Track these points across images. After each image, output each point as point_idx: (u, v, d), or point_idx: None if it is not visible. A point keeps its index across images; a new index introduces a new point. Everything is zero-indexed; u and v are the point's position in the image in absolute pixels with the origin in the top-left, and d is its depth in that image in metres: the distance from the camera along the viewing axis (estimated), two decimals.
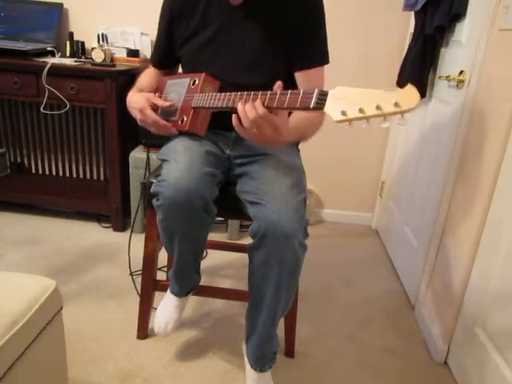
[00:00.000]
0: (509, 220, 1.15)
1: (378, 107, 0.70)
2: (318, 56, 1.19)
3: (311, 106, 0.80)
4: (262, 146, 0.95)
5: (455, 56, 1.58)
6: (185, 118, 1.16)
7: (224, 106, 1.03)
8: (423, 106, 1.88)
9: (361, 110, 0.72)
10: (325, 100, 0.78)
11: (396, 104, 0.69)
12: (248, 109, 0.90)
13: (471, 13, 1.49)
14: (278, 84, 0.90)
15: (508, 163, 1.18)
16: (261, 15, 1.16)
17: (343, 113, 0.74)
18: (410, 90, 0.68)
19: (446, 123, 1.60)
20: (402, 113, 0.69)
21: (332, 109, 0.76)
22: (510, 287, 1.13)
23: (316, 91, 0.80)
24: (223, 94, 1.04)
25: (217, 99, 1.06)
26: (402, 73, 1.92)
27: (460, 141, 1.44)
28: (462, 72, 1.46)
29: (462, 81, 1.45)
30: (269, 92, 0.90)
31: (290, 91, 0.86)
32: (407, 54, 1.92)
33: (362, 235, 2.42)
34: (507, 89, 1.20)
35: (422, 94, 1.79)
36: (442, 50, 1.71)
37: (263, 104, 0.89)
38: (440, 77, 1.61)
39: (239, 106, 0.92)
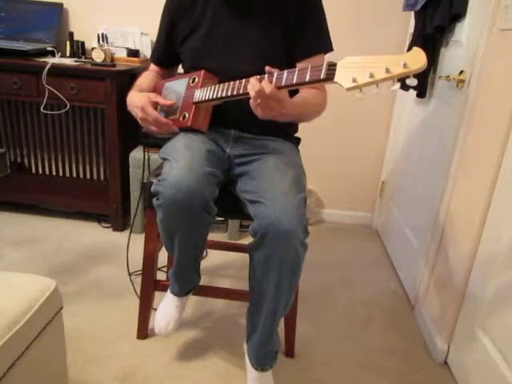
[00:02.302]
0: (509, 220, 1.15)
1: (387, 70, 0.73)
2: (321, 43, 1.21)
3: (321, 76, 0.83)
4: (268, 118, 0.98)
5: (455, 56, 1.58)
6: (186, 115, 1.16)
7: (228, 94, 1.04)
8: (423, 106, 1.88)
9: (371, 75, 0.75)
10: (334, 70, 0.81)
11: (405, 65, 0.72)
12: (254, 83, 0.93)
13: (471, 13, 1.49)
14: (267, 69, 0.94)
15: (508, 163, 1.18)
16: (260, 6, 1.17)
17: (354, 80, 0.77)
18: (417, 51, 0.72)
19: (446, 123, 1.60)
20: (411, 73, 0.72)
21: (342, 77, 0.79)
22: (510, 287, 1.13)
23: (325, 62, 0.83)
24: (226, 83, 1.05)
25: (219, 89, 1.07)
26: None
27: (460, 141, 1.44)
28: (462, 72, 1.46)
29: (462, 81, 1.45)
30: (275, 72, 0.93)
31: (296, 68, 0.89)
32: None
33: (362, 235, 2.42)
34: (507, 89, 1.20)
35: (422, 94, 1.79)
36: (442, 49, 1.71)
37: (271, 83, 0.92)
38: (440, 77, 1.61)
39: (248, 87, 0.95)
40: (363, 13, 2.16)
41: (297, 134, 1.38)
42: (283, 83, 0.91)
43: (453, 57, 1.61)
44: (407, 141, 2.08)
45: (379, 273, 2.03)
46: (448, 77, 1.53)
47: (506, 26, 1.23)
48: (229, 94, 1.04)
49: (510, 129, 1.18)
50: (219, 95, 1.07)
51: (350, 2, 2.15)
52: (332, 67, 0.81)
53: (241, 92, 1.01)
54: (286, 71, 0.91)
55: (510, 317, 1.12)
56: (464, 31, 1.53)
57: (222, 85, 1.07)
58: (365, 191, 2.48)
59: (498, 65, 1.27)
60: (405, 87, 1.90)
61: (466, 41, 1.50)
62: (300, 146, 1.38)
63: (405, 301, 1.81)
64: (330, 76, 0.81)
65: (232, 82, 1.04)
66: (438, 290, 1.54)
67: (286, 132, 1.32)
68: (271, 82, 0.92)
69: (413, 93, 1.86)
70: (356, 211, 2.53)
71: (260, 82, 0.93)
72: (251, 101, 0.95)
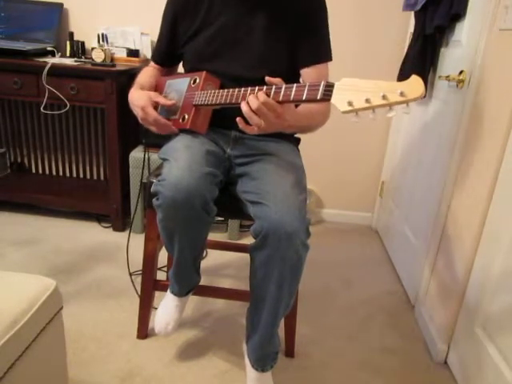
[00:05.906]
0: (509, 220, 1.15)
1: (384, 97, 0.72)
2: (327, 51, 1.21)
3: (318, 97, 0.82)
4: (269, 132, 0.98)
5: (455, 56, 1.58)
6: (186, 116, 1.16)
7: (227, 102, 1.04)
8: (423, 106, 1.88)
9: (367, 100, 0.74)
10: (331, 91, 0.80)
11: (402, 93, 0.71)
12: (251, 99, 0.92)
13: (471, 13, 1.49)
14: (268, 79, 0.93)
15: (508, 162, 1.18)
16: (265, 10, 1.17)
17: (350, 103, 0.76)
18: (415, 80, 0.71)
19: (446, 123, 1.60)
20: (408, 102, 0.71)
21: (338, 100, 0.78)
22: (511, 287, 1.13)
23: (322, 83, 0.82)
24: (225, 90, 1.05)
25: (219, 96, 1.07)
26: (402, 73, 1.92)
27: (460, 140, 1.44)
28: (461, 72, 1.46)
29: (462, 81, 1.45)
30: (273, 86, 0.92)
31: (295, 84, 0.88)
32: (407, 53, 1.92)
33: (362, 235, 2.42)
34: (507, 89, 1.20)
35: None
36: (442, 49, 1.71)
37: (267, 96, 0.91)
38: (440, 77, 1.61)
39: (242, 103, 0.94)
40: (363, 13, 2.16)
41: (297, 135, 1.38)
42: (281, 98, 0.91)
43: (453, 57, 1.61)
44: (407, 141, 2.08)
45: (379, 273, 2.03)
46: (448, 77, 1.53)
47: (506, 25, 1.23)
48: (227, 101, 1.04)
49: (509, 128, 1.18)
50: (219, 101, 1.07)
51: (350, 2, 2.15)
52: (329, 88, 0.81)
53: (239, 102, 1.00)
54: (284, 86, 0.90)
55: (510, 317, 1.12)
56: (464, 31, 1.53)
57: (222, 91, 1.06)
58: (365, 191, 2.48)
59: (497, 65, 1.27)
60: None
61: (466, 41, 1.50)
62: (300, 146, 1.38)
63: (405, 301, 1.81)
64: (326, 97, 0.81)
65: (231, 90, 1.02)
66: (438, 290, 1.54)
67: (287, 133, 1.32)
68: (269, 96, 0.91)
69: None
70: (356, 211, 2.53)
71: (257, 97, 0.92)
72: (246, 127, 0.95)
